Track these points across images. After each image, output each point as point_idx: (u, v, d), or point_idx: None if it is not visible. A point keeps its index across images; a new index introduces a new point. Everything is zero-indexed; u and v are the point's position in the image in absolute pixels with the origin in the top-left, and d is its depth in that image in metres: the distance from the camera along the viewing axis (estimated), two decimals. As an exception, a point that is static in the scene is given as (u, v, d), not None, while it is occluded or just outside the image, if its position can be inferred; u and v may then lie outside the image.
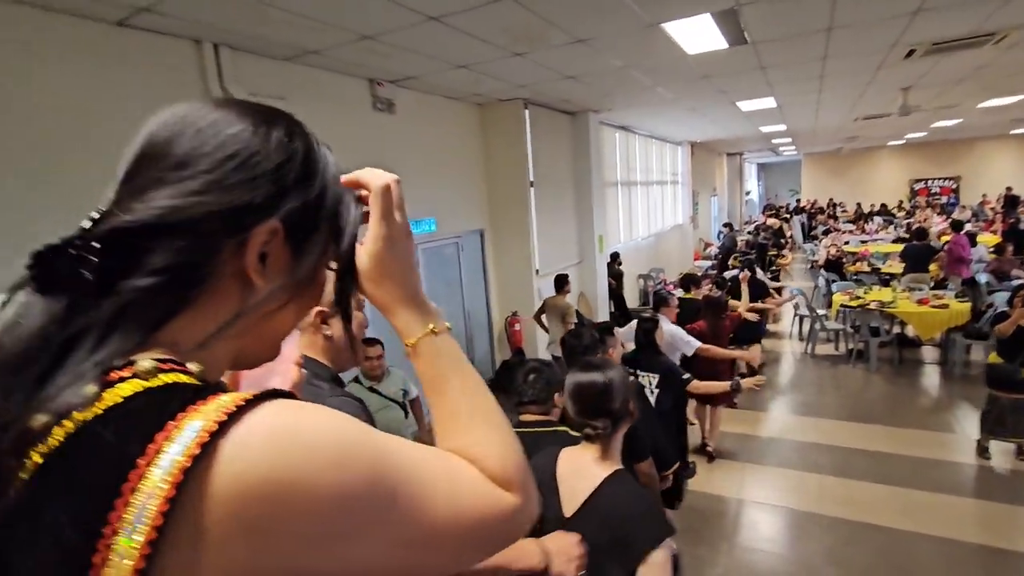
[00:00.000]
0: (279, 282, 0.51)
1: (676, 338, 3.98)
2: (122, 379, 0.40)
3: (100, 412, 0.38)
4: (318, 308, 1.09)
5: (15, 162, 2.61)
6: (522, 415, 1.96)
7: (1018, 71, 6.40)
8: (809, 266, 10.82)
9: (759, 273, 7.14)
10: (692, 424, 4.31)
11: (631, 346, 3.55)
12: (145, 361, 0.42)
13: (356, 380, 3.17)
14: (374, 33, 3.46)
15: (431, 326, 0.60)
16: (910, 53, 5.07)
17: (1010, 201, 15.77)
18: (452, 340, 0.62)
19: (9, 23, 2.57)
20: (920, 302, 6.12)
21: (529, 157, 6.16)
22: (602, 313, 7.66)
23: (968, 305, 5.92)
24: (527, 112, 6.09)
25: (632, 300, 9.34)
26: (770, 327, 7.74)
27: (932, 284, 7.45)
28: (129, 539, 0.34)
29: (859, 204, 18.46)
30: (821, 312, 6.93)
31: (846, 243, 11.22)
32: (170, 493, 0.35)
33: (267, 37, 3.41)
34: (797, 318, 7.60)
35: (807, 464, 4.21)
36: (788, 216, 17.31)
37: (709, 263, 10.48)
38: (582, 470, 1.36)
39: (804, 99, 7.46)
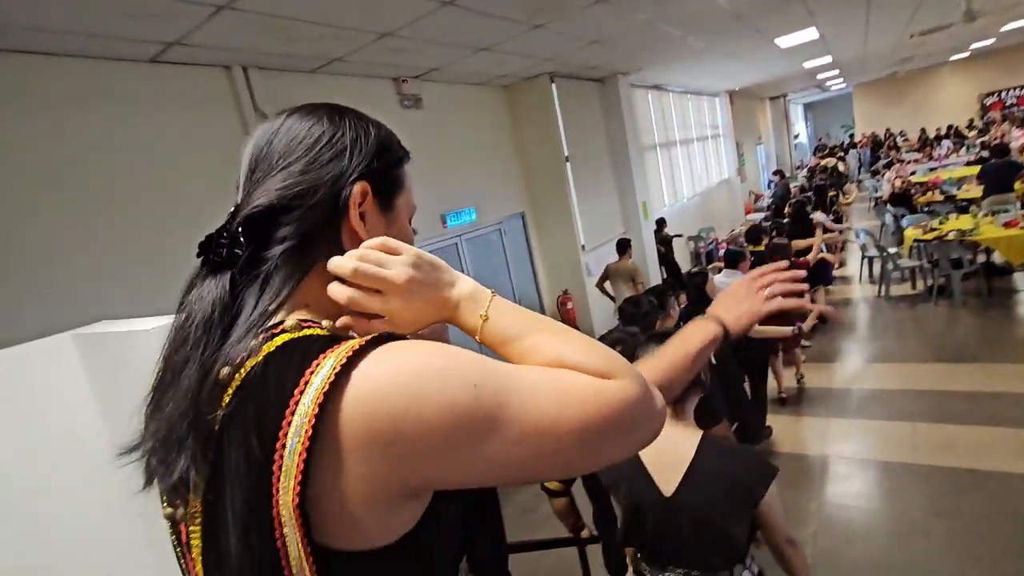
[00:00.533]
0: (378, 233, 0.63)
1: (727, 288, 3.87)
2: (276, 334, 0.53)
3: (263, 358, 0.51)
4: None
5: (75, 208, 2.77)
6: None
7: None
8: (873, 203, 10.11)
9: (817, 215, 6.77)
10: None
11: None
12: (291, 320, 0.55)
13: None
14: (392, 29, 3.44)
15: (480, 313, 0.62)
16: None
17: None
18: (501, 302, 0.64)
19: (52, 74, 2.71)
20: (1007, 225, 5.58)
21: (561, 132, 6.02)
22: (654, 281, 7.45)
23: (1064, 223, 5.36)
24: (554, 86, 5.95)
25: (684, 264, 9.05)
26: (836, 272, 7.31)
27: (1020, 204, 6.79)
28: (293, 447, 0.46)
29: (923, 130, 17.05)
30: (892, 251, 6.46)
31: (912, 173, 10.39)
32: (315, 411, 0.46)
33: (292, 52, 3.46)
34: (866, 260, 7.13)
35: (896, 412, 3.95)
36: (843, 153, 16.25)
37: (762, 215, 9.98)
38: (666, 446, 1.30)
39: (850, 23, 6.90)
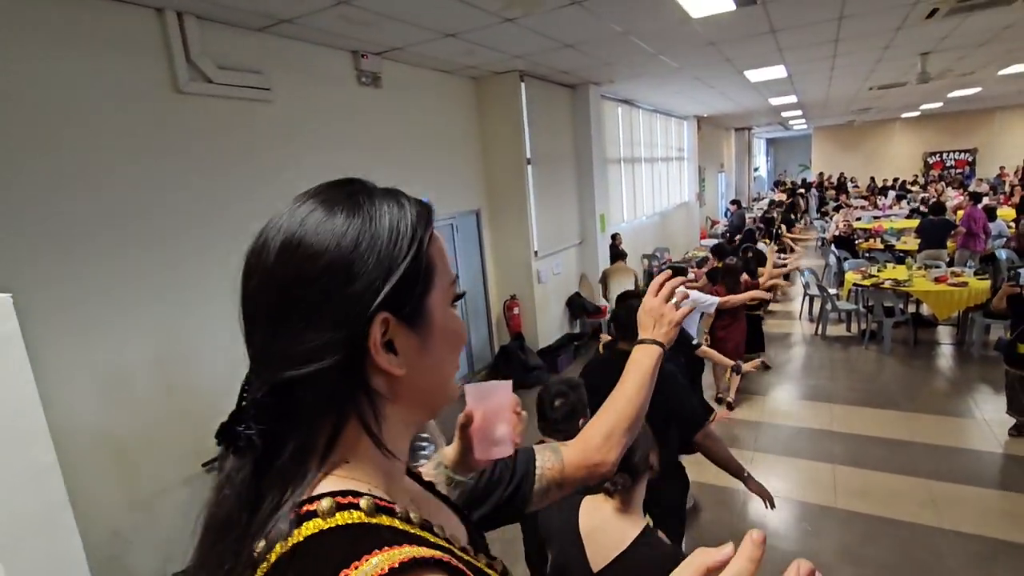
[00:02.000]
0: (415, 354, 0.56)
1: (697, 300, 4.13)
2: (308, 514, 0.48)
3: (289, 548, 0.46)
4: None
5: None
6: (543, 435, 1.92)
7: (1047, 32, 6.00)
8: (819, 243, 10.47)
9: (761, 245, 6.99)
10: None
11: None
12: (324, 501, 0.49)
13: None
14: (349, -4, 3.18)
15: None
16: (932, 12, 4.71)
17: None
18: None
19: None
20: (938, 280, 5.83)
21: (526, 133, 5.87)
22: (602, 296, 7.41)
23: (988, 283, 5.63)
24: (523, 85, 5.78)
25: (621, 284, 9.07)
26: (778, 307, 7.49)
27: (949, 260, 7.15)
28: None
29: (872, 179, 17.96)
30: (832, 292, 6.66)
31: (858, 219, 10.85)
32: None
33: (235, 4, 3.14)
34: (807, 298, 7.33)
35: (819, 453, 4.00)
36: (803, 191, 16.89)
37: (715, 242, 10.16)
38: (606, 525, 1.37)
39: (817, 67, 7.08)
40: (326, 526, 0.47)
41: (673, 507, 2.35)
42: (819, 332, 6.55)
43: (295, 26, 3.58)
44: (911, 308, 6.20)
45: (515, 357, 5.89)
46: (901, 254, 8.06)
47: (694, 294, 4.21)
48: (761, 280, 5.26)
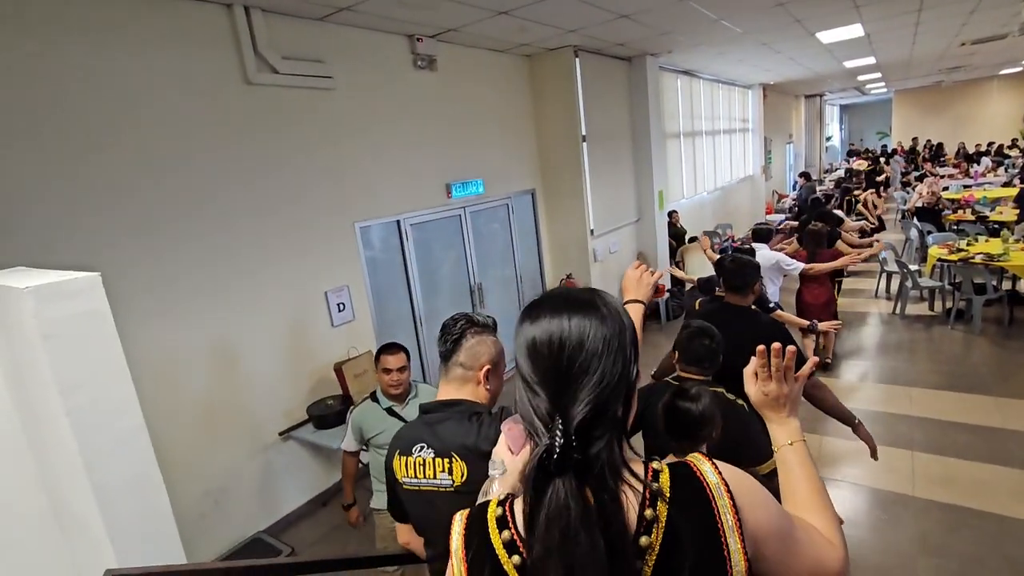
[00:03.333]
0: None
1: (780, 261, 4.38)
2: (656, 472, 0.75)
3: (668, 490, 0.72)
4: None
5: (54, 147, 2.62)
6: (682, 372, 2.09)
7: None
8: (899, 215, 9.72)
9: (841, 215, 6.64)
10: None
11: None
12: (654, 463, 0.77)
13: (373, 398, 2.49)
14: (404, -21, 3.20)
15: (791, 440, 0.95)
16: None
17: None
18: (804, 448, 0.95)
19: (41, 5, 2.53)
20: (1039, 254, 5.29)
21: (581, 109, 5.75)
22: (663, 276, 7.25)
23: (1102, 256, 5.05)
24: (578, 60, 5.66)
25: (696, 261, 8.80)
26: (852, 284, 7.05)
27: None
28: (731, 533, 0.70)
29: (962, 144, 16.38)
30: (913, 268, 6.19)
31: (945, 188, 9.97)
32: (733, 511, 0.71)
33: (296, -6, 3.24)
34: (884, 274, 6.85)
35: (896, 438, 3.77)
36: (886, 159, 15.69)
37: (782, 216, 9.65)
38: None
39: (899, 22, 6.49)
40: (667, 469, 0.75)
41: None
42: (897, 311, 6.12)
43: (354, 13, 3.65)
44: (1006, 285, 5.68)
45: (571, 337, 5.88)
46: (995, 226, 7.35)
47: (773, 255, 4.43)
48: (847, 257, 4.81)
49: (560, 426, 0.69)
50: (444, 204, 4.88)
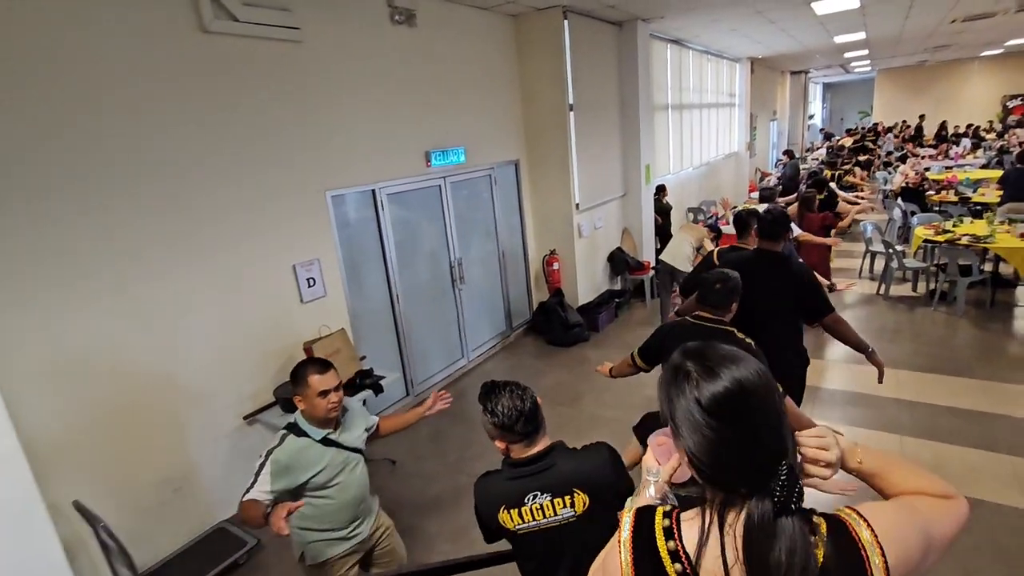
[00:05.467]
0: None
1: None
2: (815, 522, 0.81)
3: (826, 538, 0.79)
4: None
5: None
6: (702, 311, 2.34)
7: None
8: (882, 196, 9.71)
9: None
10: None
11: None
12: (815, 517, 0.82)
13: (296, 431, 1.97)
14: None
15: (857, 460, 0.91)
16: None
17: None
18: (866, 452, 0.92)
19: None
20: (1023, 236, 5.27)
21: (569, 77, 5.46)
22: (647, 251, 7.09)
23: (1085, 239, 5.04)
24: (567, 23, 5.34)
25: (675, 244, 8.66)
26: (837, 264, 6.99)
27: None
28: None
29: (943, 124, 16.45)
30: (898, 248, 6.13)
31: (926, 169, 9.97)
32: (883, 566, 0.77)
33: (256, -72, 2.87)
34: (869, 255, 6.81)
35: (885, 422, 3.72)
36: (874, 137, 15.72)
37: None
38: None
39: (897, -5, 6.30)
40: (823, 520, 0.81)
41: (797, 377, 2.86)
42: (882, 291, 6.09)
43: (322, -45, 3.28)
44: (988, 267, 5.67)
45: (554, 314, 5.71)
46: (978, 207, 7.36)
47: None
48: (842, 222, 5.75)
49: (785, 470, 0.76)
50: (423, 173, 4.58)
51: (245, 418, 3.35)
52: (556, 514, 1.43)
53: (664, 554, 0.83)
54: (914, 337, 5.01)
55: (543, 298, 6.03)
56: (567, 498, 1.42)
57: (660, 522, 0.86)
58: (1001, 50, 15.56)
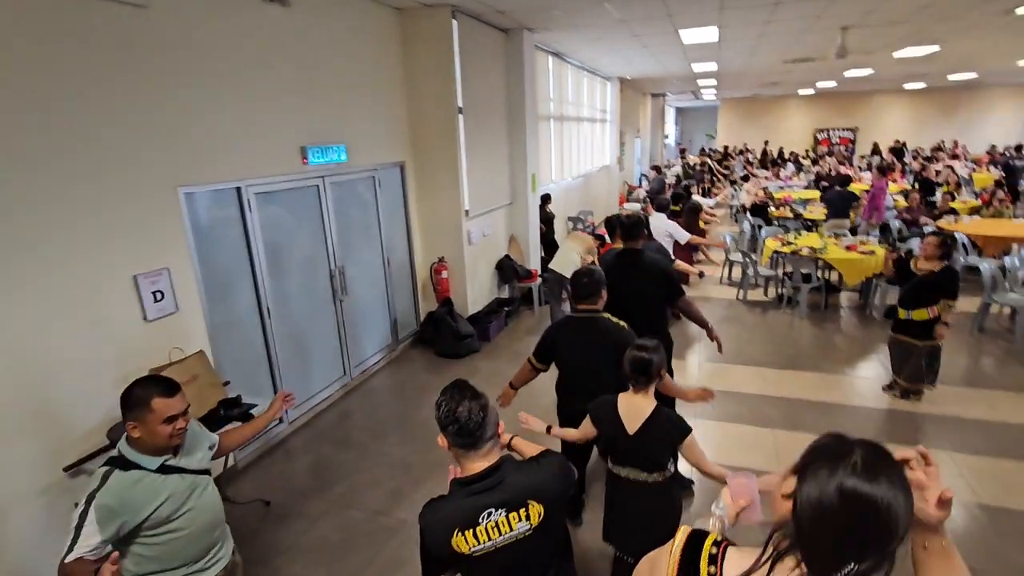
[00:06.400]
0: None
1: (673, 229, 5.86)
2: None
3: None
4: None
5: None
6: (579, 306, 2.68)
7: (952, 15, 6.35)
8: (733, 211, 10.90)
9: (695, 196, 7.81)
10: None
11: None
12: None
13: (123, 465, 1.62)
14: None
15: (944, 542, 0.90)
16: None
17: (896, 152, 16.97)
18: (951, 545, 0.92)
19: None
20: (848, 248, 6.16)
21: (458, 78, 5.28)
22: (534, 260, 7.14)
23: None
24: (455, 23, 5.16)
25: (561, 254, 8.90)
26: (703, 268, 7.66)
27: (852, 229, 7.64)
28: None
29: (766, 144, 19.04)
30: (753, 258, 6.86)
31: (764, 188, 11.40)
32: None
33: None
34: (728, 264, 7.53)
35: (757, 417, 4.04)
36: (726, 160, 17.69)
37: (639, 206, 10.20)
38: (634, 407, 2.10)
39: (747, 32, 7.07)
40: None
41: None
42: (740, 296, 6.75)
43: (174, -95, 2.74)
44: (822, 275, 6.55)
45: (444, 324, 5.46)
46: (809, 223, 8.53)
47: (672, 225, 5.94)
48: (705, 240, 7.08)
49: (852, 571, 0.80)
50: (299, 171, 4.09)
51: (66, 469, 2.65)
52: (512, 529, 1.38)
53: (704, 574, 0.95)
54: (771, 338, 5.59)
55: (431, 308, 5.76)
56: (522, 511, 1.38)
57: (708, 547, 0.98)
58: (813, 91, 18.48)
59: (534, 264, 7.08)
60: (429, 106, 5.35)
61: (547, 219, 7.90)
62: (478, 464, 1.40)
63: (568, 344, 2.66)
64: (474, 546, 1.36)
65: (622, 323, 2.59)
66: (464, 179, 5.61)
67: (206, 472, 1.85)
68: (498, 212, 6.65)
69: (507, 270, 6.68)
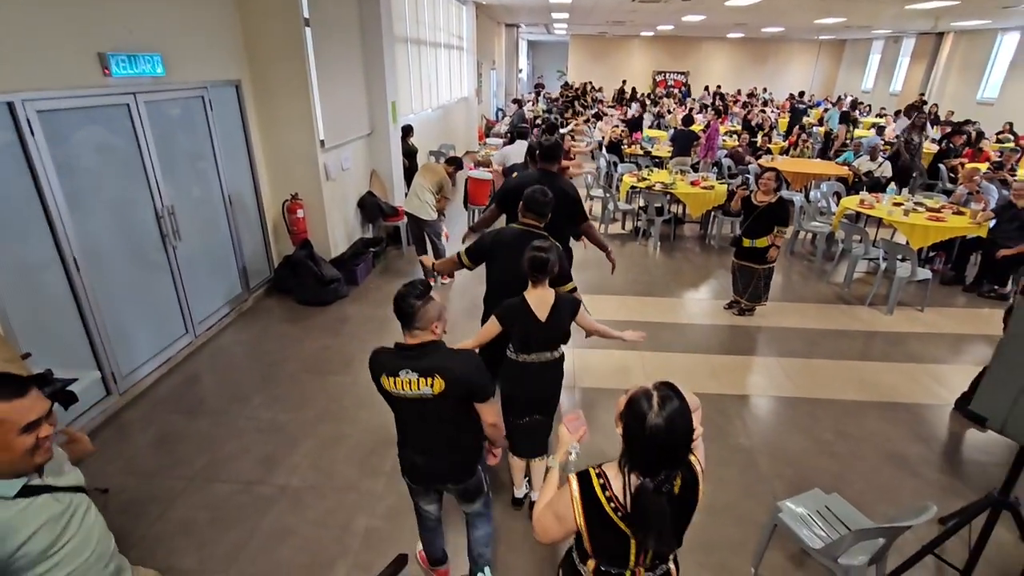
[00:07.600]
0: None
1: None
2: None
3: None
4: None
5: None
6: (526, 219, 2.76)
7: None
8: (590, 148, 11.31)
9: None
10: None
11: None
12: None
13: None
14: None
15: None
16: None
17: (719, 96, 18.93)
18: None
19: None
20: (693, 184, 6.75)
21: (302, -19, 4.51)
22: (398, 196, 6.72)
23: (725, 187, 6.73)
24: (294, -90, 4.33)
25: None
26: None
27: (693, 166, 8.38)
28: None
29: (624, 82, 19.94)
30: (612, 193, 7.21)
31: (615, 126, 11.97)
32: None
33: None
34: (588, 199, 7.84)
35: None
36: (586, 94, 18.02)
37: (502, 141, 10.07)
38: (540, 298, 2.34)
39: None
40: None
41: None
42: (602, 230, 7.11)
43: None
44: (672, 208, 7.14)
45: (305, 269, 4.94)
46: (657, 160, 9.18)
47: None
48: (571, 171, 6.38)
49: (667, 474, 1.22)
50: (100, 85, 3.22)
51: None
52: (419, 389, 1.79)
53: (605, 503, 1.23)
54: (631, 268, 6.00)
55: (287, 251, 5.16)
56: (428, 379, 1.77)
57: (596, 481, 1.25)
58: (653, 32, 19.54)
59: (399, 200, 6.67)
60: (268, 14, 4.53)
61: (410, 152, 7.43)
62: (410, 340, 1.80)
63: (504, 254, 2.72)
64: (393, 389, 1.81)
65: (558, 244, 2.64)
66: (317, 104, 4.95)
67: (80, 489, 1.38)
68: (357, 143, 6.06)
69: (371, 208, 6.21)
